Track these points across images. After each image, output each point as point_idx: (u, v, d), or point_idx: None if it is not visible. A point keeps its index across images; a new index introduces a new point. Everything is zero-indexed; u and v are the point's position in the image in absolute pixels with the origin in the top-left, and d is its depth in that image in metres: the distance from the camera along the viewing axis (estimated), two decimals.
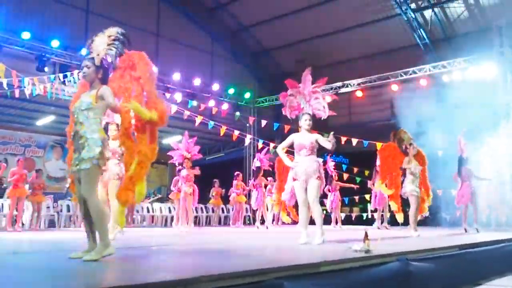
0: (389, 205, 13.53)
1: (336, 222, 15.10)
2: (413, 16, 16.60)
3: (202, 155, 12.93)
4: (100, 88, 4.57)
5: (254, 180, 14.98)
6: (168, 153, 12.46)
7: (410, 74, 16.33)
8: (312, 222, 6.87)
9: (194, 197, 12.24)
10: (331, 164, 14.92)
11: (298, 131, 7.02)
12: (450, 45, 16.49)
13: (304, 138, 6.82)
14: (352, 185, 15.68)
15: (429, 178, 10.34)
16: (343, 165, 16.75)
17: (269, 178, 15.30)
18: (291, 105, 7.27)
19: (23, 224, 12.41)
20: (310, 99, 7.17)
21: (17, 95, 13.04)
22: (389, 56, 17.67)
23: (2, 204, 13.54)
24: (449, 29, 16.81)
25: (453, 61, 15.45)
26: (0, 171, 12.33)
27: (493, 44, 14.17)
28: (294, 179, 6.77)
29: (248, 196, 17.00)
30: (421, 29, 16.86)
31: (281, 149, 7.12)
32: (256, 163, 14.86)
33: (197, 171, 12.21)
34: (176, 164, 12.74)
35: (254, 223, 16.84)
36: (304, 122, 6.88)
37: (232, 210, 17.16)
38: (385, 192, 10.53)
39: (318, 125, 7.20)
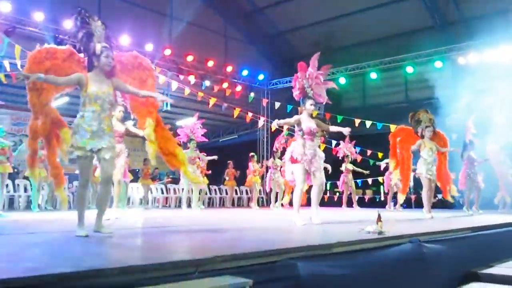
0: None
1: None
2: None
3: (206, 139, 12.82)
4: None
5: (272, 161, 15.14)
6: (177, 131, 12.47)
7: (426, 56, 16.17)
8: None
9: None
10: (345, 146, 15.04)
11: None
12: (467, 27, 16.26)
13: (312, 122, 7.05)
14: (363, 171, 15.82)
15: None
16: (356, 147, 16.69)
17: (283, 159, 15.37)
18: (299, 87, 7.29)
19: (39, 205, 12.55)
20: (312, 83, 7.20)
21: None
22: (404, 38, 17.46)
23: (18, 184, 13.69)
24: (466, 10, 16.56)
25: (469, 43, 15.23)
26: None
27: (510, 26, 13.95)
28: (297, 161, 6.88)
29: (263, 177, 17.13)
30: (437, 11, 16.65)
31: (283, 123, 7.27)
32: (276, 145, 15.02)
33: (211, 157, 12.37)
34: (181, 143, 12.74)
35: (268, 205, 16.94)
36: (310, 107, 7.12)
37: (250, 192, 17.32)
38: (396, 176, 10.51)
39: (332, 108, 7.26)
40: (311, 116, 7.17)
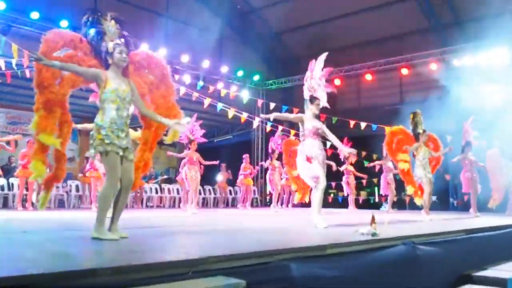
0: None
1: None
2: None
3: (205, 139, 12.92)
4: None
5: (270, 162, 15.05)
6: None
7: (420, 58, 16.21)
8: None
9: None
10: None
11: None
12: (462, 30, 16.32)
13: (317, 122, 6.88)
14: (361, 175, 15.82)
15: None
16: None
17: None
18: (310, 85, 7.19)
19: (33, 204, 12.50)
20: (314, 84, 7.15)
21: (28, 75, 13.02)
22: (399, 40, 17.53)
23: (12, 183, 13.65)
24: (461, 13, 16.62)
25: (464, 45, 15.29)
26: (12, 148, 12.34)
27: (505, 29, 14.00)
28: (310, 160, 6.68)
29: (256, 178, 17.12)
30: (432, 13, 16.69)
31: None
32: (272, 146, 14.95)
33: (210, 162, 12.57)
34: (184, 145, 12.76)
35: (261, 205, 16.93)
36: (317, 107, 6.94)
37: (240, 192, 17.26)
38: (402, 166, 10.43)
39: (327, 109, 7.22)
40: (316, 116, 6.98)
